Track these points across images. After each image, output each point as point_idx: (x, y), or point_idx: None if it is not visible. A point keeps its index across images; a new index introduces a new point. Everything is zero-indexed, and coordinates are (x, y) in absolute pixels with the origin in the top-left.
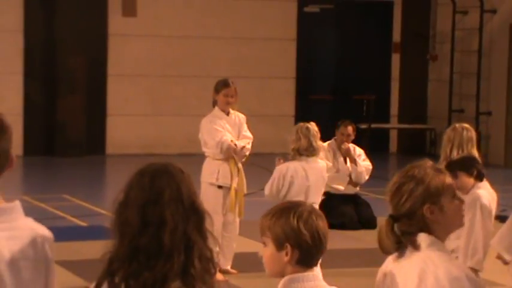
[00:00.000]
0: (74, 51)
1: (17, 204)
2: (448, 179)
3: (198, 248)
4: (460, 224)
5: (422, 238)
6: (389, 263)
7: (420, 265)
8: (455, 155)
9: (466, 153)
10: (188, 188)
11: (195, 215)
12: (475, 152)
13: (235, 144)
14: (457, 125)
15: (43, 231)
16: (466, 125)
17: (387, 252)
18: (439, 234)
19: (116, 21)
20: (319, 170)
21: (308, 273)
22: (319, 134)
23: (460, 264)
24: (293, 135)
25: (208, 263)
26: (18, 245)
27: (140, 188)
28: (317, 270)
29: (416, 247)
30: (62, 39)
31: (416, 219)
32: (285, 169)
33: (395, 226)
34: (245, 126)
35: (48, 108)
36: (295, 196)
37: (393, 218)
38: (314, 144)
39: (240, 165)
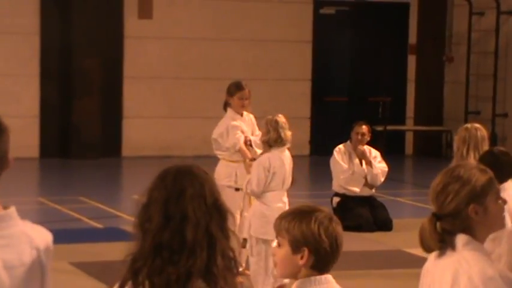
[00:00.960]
0: (90, 54)
1: (12, 210)
2: (493, 180)
3: (220, 246)
4: (502, 225)
5: (459, 238)
6: (431, 261)
7: (455, 265)
8: (471, 156)
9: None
10: (211, 187)
11: (217, 213)
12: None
13: (250, 140)
14: (468, 125)
15: (39, 237)
16: (477, 125)
17: (429, 251)
18: (480, 234)
19: (131, 24)
20: (290, 158)
21: (321, 276)
22: (287, 124)
23: (496, 264)
24: (263, 129)
25: (231, 262)
26: (13, 253)
27: (163, 187)
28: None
29: (453, 247)
30: (78, 42)
31: (460, 219)
32: (267, 161)
33: (438, 225)
34: (257, 127)
35: (64, 110)
36: (277, 185)
37: (436, 217)
38: (282, 135)
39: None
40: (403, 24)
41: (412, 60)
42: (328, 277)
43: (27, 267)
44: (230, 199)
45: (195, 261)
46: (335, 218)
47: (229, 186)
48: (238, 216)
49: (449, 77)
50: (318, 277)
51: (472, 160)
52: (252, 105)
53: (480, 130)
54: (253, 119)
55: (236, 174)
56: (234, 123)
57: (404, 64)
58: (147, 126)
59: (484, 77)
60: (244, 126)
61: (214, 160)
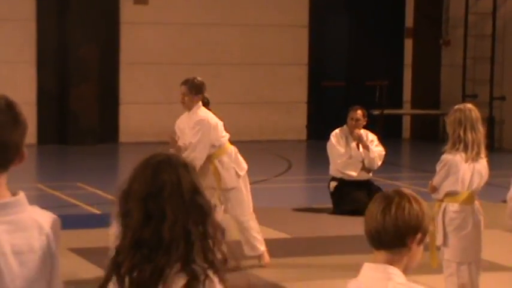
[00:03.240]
0: (86, 40)
1: (21, 196)
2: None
3: (199, 242)
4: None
5: None
6: None
7: None
8: (469, 137)
9: (480, 132)
10: (190, 182)
11: (195, 209)
12: (482, 130)
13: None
14: (461, 106)
15: (48, 223)
16: (469, 105)
17: None
18: None
19: (127, 9)
20: None
21: None
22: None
23: None
24: None
25: (213, 256)
26: (22, 238)
27: (143, 181)
28: None
29: None
30: (74, 28)
31: None
32: None
33: None
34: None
35: (61, 96)
36: None
37: None
38: None
39: (216, 162)
40: (400, 8)
41: (408, 44)
42: None
43: (36, 253)
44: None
45: (170, 257)
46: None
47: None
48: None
49: (446, 61)
50: None
51: (470, 139)
52: (249, 90)
53: (474, 110)
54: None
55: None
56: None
57: (401, 48)
58: (144, 112)
59: (481, 60)
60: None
61: None
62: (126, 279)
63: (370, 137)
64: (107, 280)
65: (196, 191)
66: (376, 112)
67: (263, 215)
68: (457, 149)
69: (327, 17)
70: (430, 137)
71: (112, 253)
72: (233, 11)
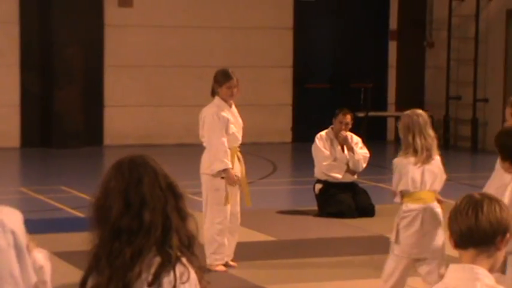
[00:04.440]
0: (71, 42)
1: None
2: None
3: (175, 226)
4: None
5: None
6: None
7: None
8: (418, 142)
9: (430, 136)
10: (163, 173)
11: (172, 196)
12: (432, 133)
13: (235, 176)
14: (409, 112)
15: (11, 219)
16: (418, 111)
17: None
18: None
19: (112, 12)
20: None
21: None
22: None
23: None
24: None
25: (189, 242)
26: None
27: (120, 177)
28: None
29: None
30: (58, 30)
31: None
32: None
33: None
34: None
35: (45, 99)
36: None
37: None
38: None
39: (239, 153)
40: (384, 10)
41: (393, 46)
42: None
43: (1, 251)
44: (216, 188)
45: (149, 239)
46: None
47: (214, 175)
48: (226, 205)
49: (430, 63)
50: None
51: (419, 144)
52: (239, 89)
53: (422, 116)
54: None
55: None
56: (222, 113)
57: (386, 50)
58: (129, 114)
59: (465, 62)
60: (231, 116)
61: (197, 148)
62: (106, 271)
63: (355, 139)
64: (87, 275)
65: (169, 179)
66: (360, 114)
67: (248, 218)
68: (407, 153)
69: (312, 20)
70: None
71: (89, 253)
72: (218, 13)
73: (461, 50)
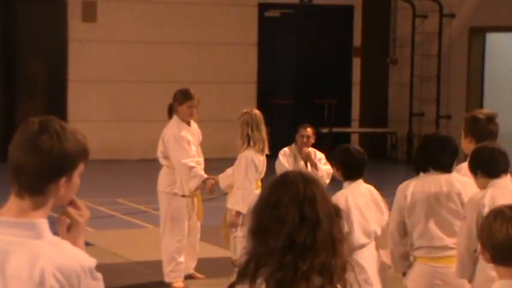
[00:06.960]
0: (34, 57)
1: None
2: None
3: (339, 247)
4: None
5: None
6: None
7: None
8: (256, 135)
9: (263, 133)
10: (327, 193)
11: (337, 216)
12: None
13: (213, 180)
14: (248, 110)
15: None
16: (256, 110)
17: None
18: None
19: (75, 27)
20: None
21: None
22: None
23: None
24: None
25: (345, 262)
26: None
27: (295, 190)
28: None
29: None
30: (22, 45)
31: None
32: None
33: None
34: (200, 136)
35: (8, 114)
36: None
37: None
38: None
39: None
40: (348, 27)
41: (357, 63)
42: None
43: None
44: (176, 206)
45: (318, 259)
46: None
47: (175, 194)
48: (186, 223)
49: (393, 79)
50: None
51: (257, 137)
52: (198, 109)
53: (258, 114)
54: (197, 128)
55: (180, 181)
56: (182, 133)
57: (349, 66)
58: (93, 129)
59: (428, 79)
60: (190, 136)
61: (160, 164)
62: (263, 285)
63: (318, 156)
64: (234, 285)
65: (331, 200)
66: (324, 130)
67: (213, 234)
68: (248, 146)
69: (276, 36)
70: (378, 155)
71: (243, 263)
72: (182, 29)
73: (424, 67)
